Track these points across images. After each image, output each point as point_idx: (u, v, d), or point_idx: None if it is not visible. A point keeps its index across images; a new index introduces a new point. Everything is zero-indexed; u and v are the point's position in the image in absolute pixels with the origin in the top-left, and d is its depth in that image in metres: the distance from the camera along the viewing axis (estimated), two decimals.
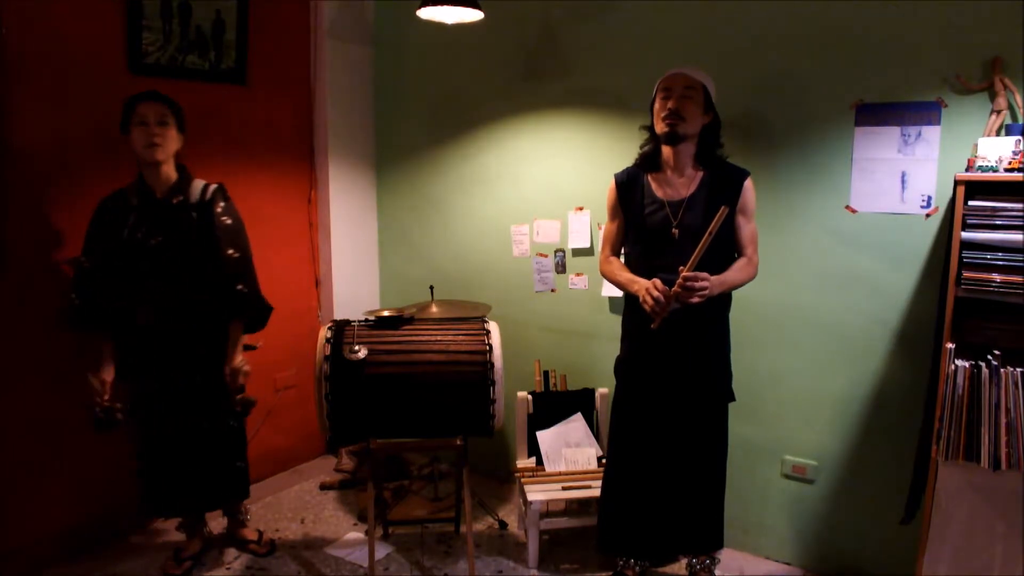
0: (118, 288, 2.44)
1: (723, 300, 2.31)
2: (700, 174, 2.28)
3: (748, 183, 2.27)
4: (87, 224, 2.47)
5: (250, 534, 2.86)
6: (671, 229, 2.24)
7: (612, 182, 2.41)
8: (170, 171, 2.48)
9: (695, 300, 2.09)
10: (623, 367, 2.44)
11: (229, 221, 2.51)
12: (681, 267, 2.09)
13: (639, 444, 2.40)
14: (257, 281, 2.59)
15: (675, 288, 2.09)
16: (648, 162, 2.35)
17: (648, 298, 2.14)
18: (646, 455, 2.39)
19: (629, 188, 2.35)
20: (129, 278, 2.44)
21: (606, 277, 2.45)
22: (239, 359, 2.54)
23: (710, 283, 2.10)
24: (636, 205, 2.31)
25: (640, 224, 2.31)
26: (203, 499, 2.67)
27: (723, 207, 2.05)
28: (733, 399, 2.40)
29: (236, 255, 2.50)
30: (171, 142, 2.44)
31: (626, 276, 2.31)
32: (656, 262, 2.26)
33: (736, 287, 2.27)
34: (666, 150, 2.29)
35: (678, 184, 2.29)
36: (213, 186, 2.53)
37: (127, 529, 2.93)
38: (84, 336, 2.52)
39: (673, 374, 2.31)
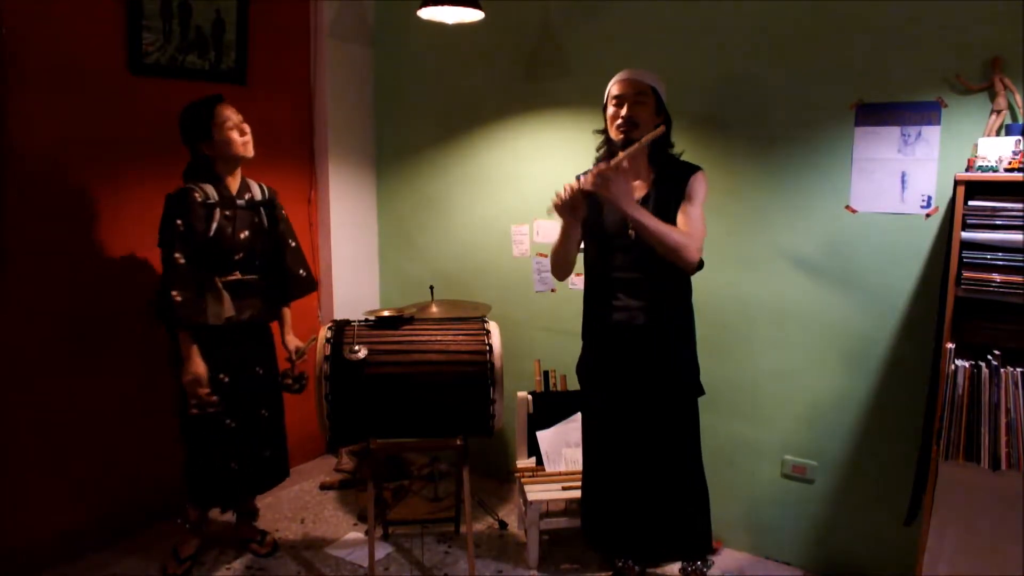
0: (204, 283, 2.50)
1: (680, 290, 2.29)
2: (652, 175, 2.28)
3: (699, 175, 2.24)
4: (160, 220, 2.47)
5: (255, 533, 2.86)
6: (627, 231, 2.23)
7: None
8: (240, 169, 2.63)
9: (604, 192, 2.08)
10: (582, 369, 2.43)
11: (285, 215, 2.77)
12: (604, 163, 2.10)
13: (607, 445, 2.38)
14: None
15: (588, 177, 2.10)
16: None
17: (556, 196, 2.15)
18: (615, 456, 2.37)
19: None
20: (217, 273, 2.51)
21: (552, 252, 2.38)
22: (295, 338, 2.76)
23: (624, 180, 2.08)
24: (594, 207, 2.29)
25: (598, 225, 2.30)
26: (261, 481, 2.73)
27: (661, 126, 2.11)
28: (702, 392, 2.36)
29: (295, 245, 2.77)
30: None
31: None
32: (613, 262, 2.27)
33: (659, 242, 2.10)
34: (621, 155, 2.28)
35: (633, 186, 2.26)
36: (266, 186, 2.71)
37: (127, 529, 2.93)
38: (164, 333, 2.54)
39: (632, 370, 2.29)
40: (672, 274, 2.21)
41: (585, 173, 2.35)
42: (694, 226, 2.18)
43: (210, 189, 2.50)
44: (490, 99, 3.33)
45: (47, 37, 2.54)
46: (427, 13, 2.78)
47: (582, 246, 2.39)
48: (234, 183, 2.58)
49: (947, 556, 2.12)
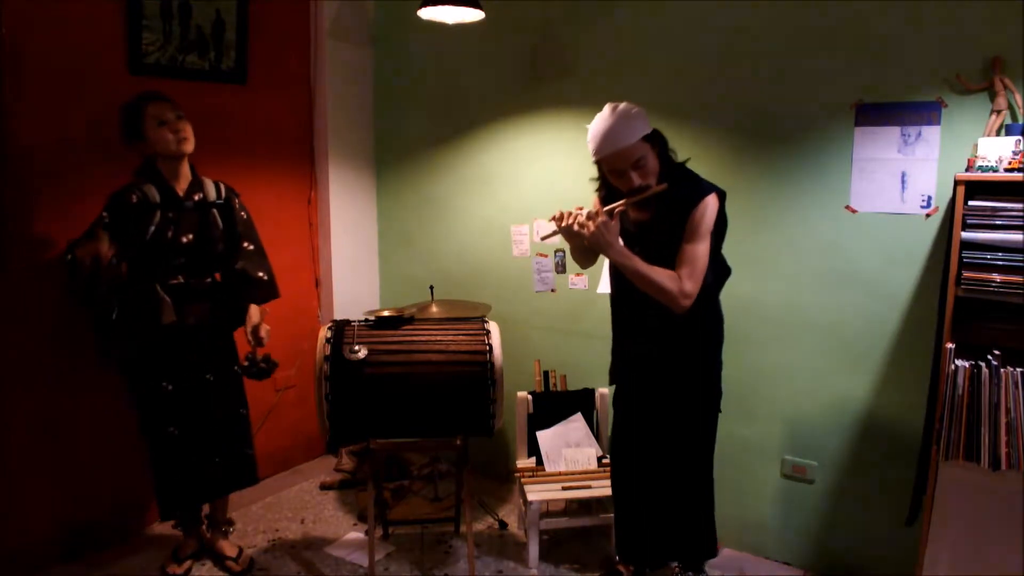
0: (142, 287, 2.44)
1: (704, 323, 2.24)
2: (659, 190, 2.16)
3: (703, 203, 2.08)
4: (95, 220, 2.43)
5: (229, 550, 2.73)
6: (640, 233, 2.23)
7: None
8: (187, 168, 2.52)
9: (592, 239, 2.07)
10: (610, 369, 2.45)
11: (245, 216, 2.67)
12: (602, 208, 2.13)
13: (621, 443, 2.42)
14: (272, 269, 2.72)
15: (574, 218, 2.11)
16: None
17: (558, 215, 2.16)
18: (626, 454, 2.40)
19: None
20: (156, 276, 2.45)
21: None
22: (263, 325, 2.65)
23: (605, 228, 2.05)
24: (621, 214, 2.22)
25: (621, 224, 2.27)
26: (215, 487, 2.67)
27: (664, 184, 2.09)
28: (707, 404, 2.31)
29: (253, 247, 2.65)
30: (192, 134, 2.46)
31: None
32: (622, 286, 2.26)
33: (645, 286, 2.08)
34: None
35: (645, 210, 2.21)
36: (224, 184, 2.62)
37: (127, 529, 2.93)
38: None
39: (637, 365, 2.30)
40: None
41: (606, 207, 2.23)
42: (691, 269, 2.07)
43: (153, 190, 2.42)
44: (490, 99, 3.32)
45: (47, 37, 2.54)
46: (427, 13, 2.78)
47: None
48: (181, 183, 2.48)
49: (947, 556, 2.12)
